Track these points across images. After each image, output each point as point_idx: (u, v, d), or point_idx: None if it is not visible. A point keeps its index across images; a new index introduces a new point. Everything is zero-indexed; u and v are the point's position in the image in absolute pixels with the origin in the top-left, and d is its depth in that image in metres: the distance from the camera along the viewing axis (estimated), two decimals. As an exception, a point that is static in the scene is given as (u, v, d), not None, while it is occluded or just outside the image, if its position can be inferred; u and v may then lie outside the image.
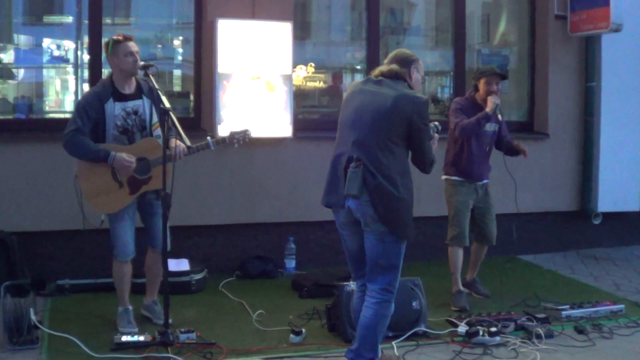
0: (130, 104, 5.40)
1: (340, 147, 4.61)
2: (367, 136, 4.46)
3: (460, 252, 6.46)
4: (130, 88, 5.44)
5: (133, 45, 5.37)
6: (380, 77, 4.62)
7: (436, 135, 4.95)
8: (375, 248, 4.53)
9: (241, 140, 5.72)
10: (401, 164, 4.49)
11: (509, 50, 9.07)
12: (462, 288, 6.46)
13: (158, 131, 5.47)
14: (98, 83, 5.55)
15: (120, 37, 5.38)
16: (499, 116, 6.35)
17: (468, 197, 6.44)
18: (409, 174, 4.54)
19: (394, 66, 4.63)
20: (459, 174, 6.44)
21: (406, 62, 4.69)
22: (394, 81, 4.57)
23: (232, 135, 5.69)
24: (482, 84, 6.38)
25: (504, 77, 6.52)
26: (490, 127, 6.43)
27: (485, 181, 6.53)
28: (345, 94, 4.83)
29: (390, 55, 4.79)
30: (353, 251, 4.73)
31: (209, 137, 5.58)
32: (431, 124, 4.75)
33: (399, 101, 4.45)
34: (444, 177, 6.56)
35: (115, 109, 5.34)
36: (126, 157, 5.27)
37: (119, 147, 5.34)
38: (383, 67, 4.66)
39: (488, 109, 6.24)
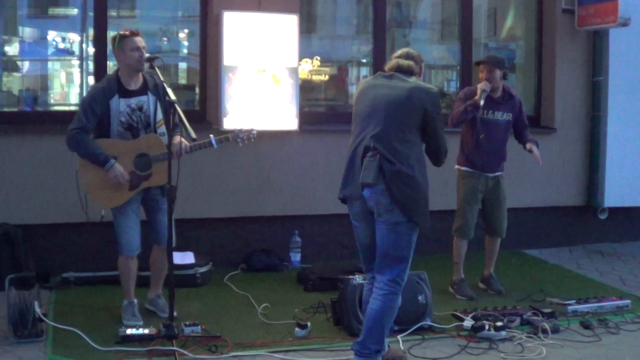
0: (134, 100, 5.37)
1: (357, 139, 4.66)
2: (384, 127, 4.54)
3: (465, 243, 6.48)
4: (136, 84, 5.42)
5: (140, 41, 5.34)
6: (392, 72, 4.74)
7: None
8: (386, 238, 4.56)
9: (245, 140, 5.67)
10: (418, 153, 4.60)
11: (515, 44, 9.04)
12: (463, 276, 6.49)
13: (162, 129, 5.44)
14: (104, 78, 5.54)
15: (127, 32, 5.35)
16: (481, 102, 6.23)
17: (476, 189, 6.42)
18: (424, 163, 4.65)
19: (412, 62, 4.77)
20: (467, 164, 6.44)
21: (418, 61, 4.85)
22: (405, 75, 4.70)
23: (236, 134, 5.64)
24: (479, 73, 6.43)
25: (496, 65, 6.38)
26: (502, 116, 6.39)
27: (497, 173, 6.49)
28: (357, 89, 4.92)
29: (402, 52, 4.90)
30: (365, 243, 4.76)
31: (211, 135, 5.54)
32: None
33: (413, 92, 4.57)
34: (456, 166, 6.57)
35: (120, 106, 5.32)
36: (123, 172, 5.28)
37: (120, 142, 5.33)
38: (402, 61, 4.77)
39: (477, 96, 6.25)
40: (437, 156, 4.76)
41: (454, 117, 6.31)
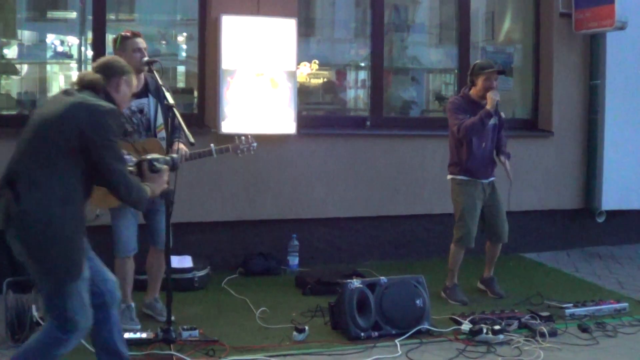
0: (135, 102, 5.36)
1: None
2: (26, 154, 3.73)
3: (462, 252, 6.44)
4: (137, 86, 5.40)
5: (141, 42, 5.36)
6: (75, 87, 3.91)
7: (165, 167, 4.27)
8: (40, 288, 3.92)
9: (245, 151, 5.67)
10: (66, 189, 3.67)
11: (513, 48, 9.05)
12: (456, 282, 6.47)
13: (162, 133, 5.43)
14: (104, 80, 5.52)
15: (128, 33, 5.36)
16: (502, 114, 6.31)
17: (475, 197, 6.37)
18: (75, 201, 3.74)
19: (100, 76, 3.93)
20: (463, 173, 6.37)
21: (115, 73, 4.02)
22: (83, 91, 3.86)
23: (236, 145, 5.64)
24: (481, 80, 6.30)
25: (502, 72, 6.45)
26: (491, 121, 6.32)
27: (491, 179, 6.48)
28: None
29: (99, 62, 4.12)
30: None
31: (212, 145, 5.54)
32: (162, 157, 4.30)
33: (70, 110, 3.70)
34: (449, 177, 6.51)
35: (120, 108, 5.31)
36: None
37: (121, 144, 5.30)
38: (85, 74, 3.98)
39: (489, 106, 6.18)
40: (118, 196, 3.90)
41: (469, 128, 6.15)
